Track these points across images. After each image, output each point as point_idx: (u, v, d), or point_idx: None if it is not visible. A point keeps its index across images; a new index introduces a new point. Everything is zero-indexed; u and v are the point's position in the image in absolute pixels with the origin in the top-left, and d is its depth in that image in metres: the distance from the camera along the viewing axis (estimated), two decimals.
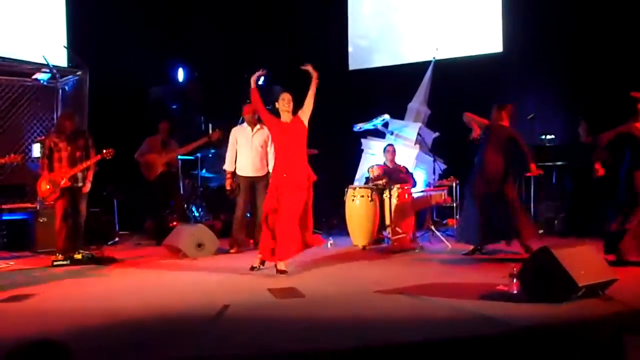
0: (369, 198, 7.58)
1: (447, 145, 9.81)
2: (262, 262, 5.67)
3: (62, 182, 6.61)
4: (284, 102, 5.75)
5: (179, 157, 8.58)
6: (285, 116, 5.74)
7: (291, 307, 4.29)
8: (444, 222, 8.74)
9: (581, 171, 8.22)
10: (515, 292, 4.36)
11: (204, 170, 9.71)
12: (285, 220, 5.47)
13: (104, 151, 6.70)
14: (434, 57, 10.19)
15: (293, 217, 5.50)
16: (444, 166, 9.30)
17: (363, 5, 12.09)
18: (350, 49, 12.04)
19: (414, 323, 3.78)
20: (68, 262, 6.37)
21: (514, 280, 4.38)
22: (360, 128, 9.59)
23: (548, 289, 4.13)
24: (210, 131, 8.83)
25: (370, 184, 7.85)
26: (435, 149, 9.66)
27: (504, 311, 3.94)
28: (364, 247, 7.40)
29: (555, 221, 8.25)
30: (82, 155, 6.75)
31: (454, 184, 8.24)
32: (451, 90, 9.97)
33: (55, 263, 6.35)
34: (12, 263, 6.56)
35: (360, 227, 7.59)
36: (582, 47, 9.65)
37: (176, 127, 8.92)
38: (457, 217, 8.46)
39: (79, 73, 8.47)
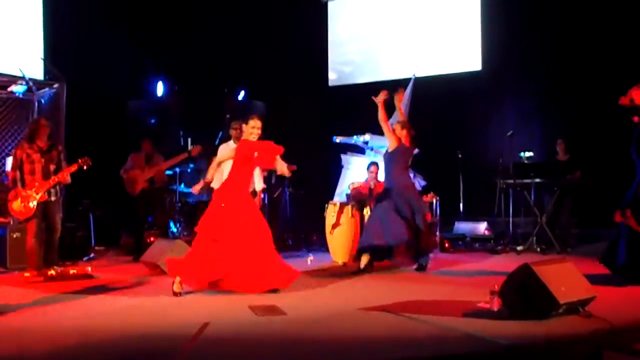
0: (349, 214, 7.56)
1: (427, 161, 9.86)
2: None
3: (39, 197, 6.44)
4: (255, 129, 5.49)
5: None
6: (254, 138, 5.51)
7: (272, 325, 4.23)
8: None
9: (559, 188, 8.32)
10: (496, 309, 4.36)
11: (182, 185, 9.61)
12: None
13: (80, 160, 6.50)
14: (414, 74, 10.26)
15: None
16: (423, 183, 9.33)
17: (344, 22, 12.17)
18: (330, 66, 12.10)
19: (396, 341, 3.75)
20: (42, 279, 6.21)
21: (495, 298, 4.38)
22: (340, 141, 9.58)
23: (529, 306, 4.14)
24: (190, 146, 8.76)
25: (351, 200, 7.85)
26: (415, 166, 9.70)
27: (486, 329, 3.93)
28: (344, 264, 7.37)
29: (534, 238, 8.32)
30: (55, 168, 6.58)
31: (434, 201, 8.26)
32: (431, 108, 10.06)
33: (29, 280, 6.19)
34: None
35: (340, 243, 7.56)
36: (561, 65, 9.83)
37: (155, 141, 8.83)
38: (437, 233, 8.50)
39: (55, 86, 8.33)
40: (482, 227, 9.33)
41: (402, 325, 4.17)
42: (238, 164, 5.54)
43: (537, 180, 8.31)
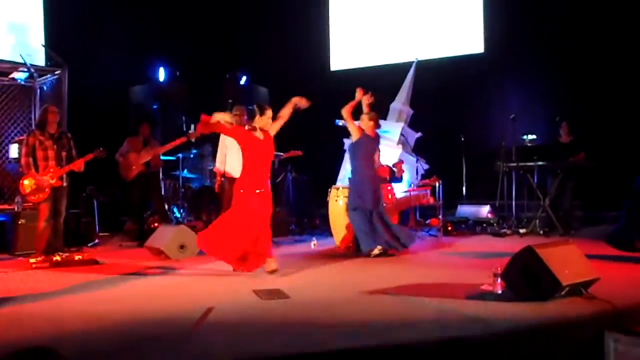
0: None
1: (429, 145, 9.86)
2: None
3: (53, 182, 6.56)
4: (267, 119, 5.55)
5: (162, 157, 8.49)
6: (259, 132, 5.56)
7: (276, 309, 4.25)
8: (427, 222, 8.76)
9: (562, 170, 8.31)
10: (499, 291, 4.38)
11: (185, 171, 9.62)
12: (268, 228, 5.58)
13: (96, 151, 6.69)
14: (416, 58, 10.23)
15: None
16: (426, 166, 9.33)
17: (346, 6, 12.09)
18: (332, 51, 12.05)
19: (399, 324, 3.76)
20: (47, 264, 6.25)
21: (498, 280, 4.40)
22: (342, 124, 9.56)
23: (532, 288, 4.16)
24: (190, 130, 8.72)
25: None
26: (418, 149, 9.70)
27: (488, 311, 3.95)
28: (347, 247, 7.38)
29: (537, 220, 8.33)
30: (67, 155, 6.68)
31: (437, 184, 8.26)
32: (433, 91, 10.04)
33: (34, 265, 6.23)
34: None
35: (343, 228, 7.57)
36: (564, 47, 9.78)
37: (157, 126, 8.83)
38: (440, 216, 8.52)
39: (57, 72, 8.31)
40: (484, 210, 9.34)
41: (405, 307, 4.19)
42: (245, 153, 5.57)
43: (540, 163, 8.30)
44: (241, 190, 5.52)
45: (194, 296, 4.75)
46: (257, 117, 5.55)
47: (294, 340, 3.43)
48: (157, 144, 8.23)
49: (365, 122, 6.72)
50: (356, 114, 6.66)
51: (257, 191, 5.48)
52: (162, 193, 8.80)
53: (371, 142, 6.74)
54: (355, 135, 6.70)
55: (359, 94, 6.64)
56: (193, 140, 8.13)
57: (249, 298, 4.56)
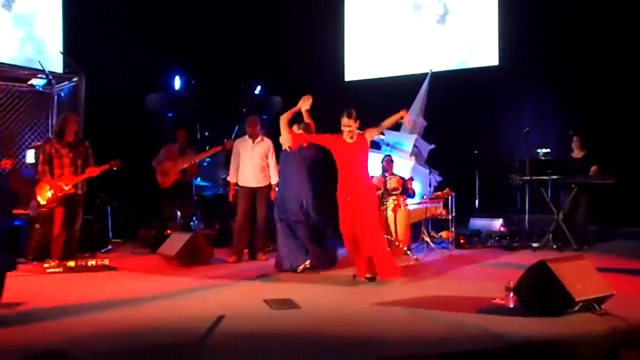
0: None
1: (443, 157, 9.84)
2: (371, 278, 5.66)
3: (67, 189, 6.62)
4: (346, 127, 5.62)
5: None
6: (347, 135, 5.62)
7: (286, 319, 4.26)
8: (439, 234, 8.73)
9: (576, 185, 8.26)
10: (511, 305, 4.35)
11: (198, 179, 9.67)
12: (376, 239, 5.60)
13: (112, 162, 6.77)
14: (430, 69, 10.23)
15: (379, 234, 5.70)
16: (439, 178, 9.31)
17: (360, 17, 12.14)
18: (347, 61, 12.09)
19: (410, 336, 3.76)
20: (61, 269, 6.31)
21: (511, 294, 4.37)
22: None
23: (544, 303, 4.13)
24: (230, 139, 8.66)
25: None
26: (431, 161, 9.68)
27: (501, 325, 3.93)
28: None
29: (550, 235, 8.27)
30: (83, 162, 6.74)
31: (450, 197, 8.24)
32: (447, 103, 10.03)
33: (48, 270, 6.29)
34: None
35: None
36: (578, 60, 9.74)
37: (195, 136, 8.83)
38: (452, 229, 8.49)
39: (75, 79, 8.42)
40: (497, 224, 9.28)
41: (416, 320, 4.18)
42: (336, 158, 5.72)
43: (554, 177, 8.25)
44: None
45: (204, 304, 4.76)
46: (346, 120, 5.60)
47: (303, 351, 3.44)
48: (192, 152, 8.24)
49: (295, 131, 6.40)
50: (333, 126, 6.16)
51: (347, 199, 5.60)
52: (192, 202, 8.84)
53: (303, 152, 6.48)
54: (286, 144, 6.51)
55: (301, 102, 6.27)
56: (228, 148, 8.11)
57: (260, 307, 4.56)
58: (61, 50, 9.12)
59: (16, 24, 8.89)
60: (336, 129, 5.71)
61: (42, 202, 6.79)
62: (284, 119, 6.31)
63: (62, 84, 8.58)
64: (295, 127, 6.42)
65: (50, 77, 8.44)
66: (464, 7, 11.13)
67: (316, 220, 6.40)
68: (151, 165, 8.15)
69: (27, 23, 8.99)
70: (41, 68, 8.32)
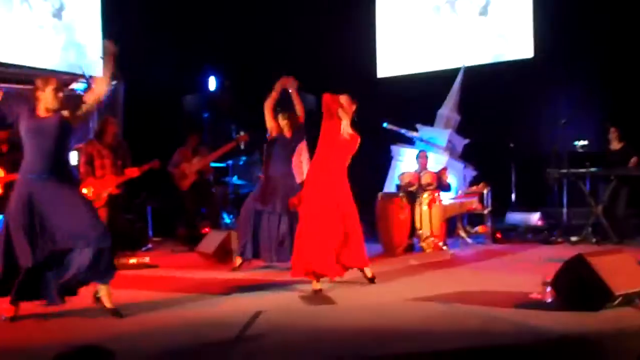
0: (400, 205, 7.59)
1: (478, 151, 9.76)
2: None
3: (110, 189, 6.83)
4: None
5: (211, 164, 8.71)
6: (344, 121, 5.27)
7: (322, 315, 4.31)
8: (475, 229, 8.66)
9: (616, 177, 8.10)
10: (549, 300, 4.32)
11: (235, 177, 9.82)
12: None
13: (152, 162, 6.97)
14: (463, 64, 10.16)
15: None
16: (474, 173, 9.24)
17: (392, 13, 12.10)
18: (379, 58, 12.07)
19: (447, 331, 3.77)
20: None
21: (548, 289, 4.34)
22: (390, 128, 9.56)
23: (583, 298, 4.08)
24: (237, 135, 8.82)
25: (401, 191, 7.88)
26: (466, 156, 9.62)
27: (538, 320, 3.91)
28: (394, 255, 7.39)
29: (589, 228, 8.13)
30: (123, 163, 6.95)
31: (486, 191, 8.18)
32: (482, 97, 9.93)
33: None
34: None
35: (390, 235, 7.59)
36: (616, 50, 9.52)
37: (208, 135, 9.02)
38: (488, 224, 8.43)
39: (114, 83, 8.64)
40: (534, 218, 9.16)
41: (452, 315, 4.19)
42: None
43: (593, 169, 8.11)
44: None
45: (241, 300, 4.84)
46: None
47: (340, 347, 3.48)
48: (206, 151, 8.44)
49: (280, 120, 6.26)
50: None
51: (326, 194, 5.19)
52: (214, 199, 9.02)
53: (287, 143, 6.29)
54: (272, 132, 6.31)
55: (280, 83, 6.07)
56: (242, 144, 8.28)
57: (296, 303, 4.63)
58: (101, 55, 9.35)
59: (60, 31, 9.18)
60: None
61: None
62: (268, 106, 6.15)
63: None
64: (280, 117, 6.28)
65: (91, 81, 8.67)
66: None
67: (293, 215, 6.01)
68: (167, 169, 8.27)
69: (69, 30, 9.28)
70: (82, 72, 8.56)
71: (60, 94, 4.34)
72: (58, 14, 9.14)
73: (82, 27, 9.40)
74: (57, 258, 4.12)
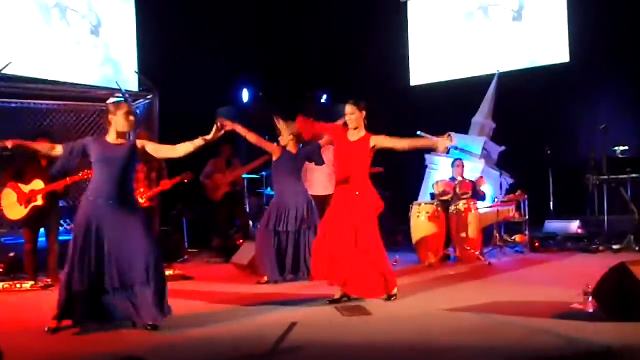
0: (435, 214, 7.52)
1: (514, 159, 9.62)
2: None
3: (143, 201, 6.91)
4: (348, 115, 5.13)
5: (244, 176, 8.78)
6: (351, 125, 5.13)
7: (359, 326, 4.29)
8: (513, 238, 8.52)
9: None
10: (590, 310, 4.21)
11: (269, 189, 9.86)
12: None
13: (183, 174, 6.98)
14: (498, 70, 10.04)
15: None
16: (511, 181, 9.10)
17: (424, 21, 12.06)
18: (412, 66, 12.02)
19: (484, 343, 3.70)
20: None
21: (590, 299, 4.23)
22: (424, 136, 9.47)
23: (626, 307, 3.97)
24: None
25: (436, 200, 7.81)
26: (502, 164, 9.48)
27: (580, 331, 3.81)
28: (430, 265, 7.32)
29: (631, 236, 7.91)
30: (157, 176, 7.04)
31: (523, 199, 8.04)
32: (517, 103, 9.79)
33: None
34: None
35: (426, 244, 7.52)
36: None
37: (241, 147, 9.11)
38: (526, 232, 8.27)
39: (149, 97, 8.84)
40: (574, 226, 8.95)
41: (490, 326, 4.11)
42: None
43: (634, 175, 7.90)
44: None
45: (277, 312, 4.84)
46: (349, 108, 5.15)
47: (376, 358, 3.45)
48: (239, 163, 8.52)
49: (285, 138, 6.27)
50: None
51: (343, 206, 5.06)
52: (247, 210, 9.09)
53: (295, 158, 6.28)
54: (275, 155, 6.30)
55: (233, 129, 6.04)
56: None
57: (332, 314, 4.61)
58: (136, 70, 9.56)
59: (97, 47, 9.42)
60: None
61: None
62: (253, 141, 6.25)
63: (137, 101, 9.01)
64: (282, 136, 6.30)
65: (127, 95, 8.87)
66: (534, 4, 10.86)
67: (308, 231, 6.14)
68: (200, 180, 8.33)
69: (105, 46, 9.51)
70: (118, 87, 8.76)
71: (132, 118, 4.45)
72: (95, 30, 9.38)
73: (118, 43, 9.63)
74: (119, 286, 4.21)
